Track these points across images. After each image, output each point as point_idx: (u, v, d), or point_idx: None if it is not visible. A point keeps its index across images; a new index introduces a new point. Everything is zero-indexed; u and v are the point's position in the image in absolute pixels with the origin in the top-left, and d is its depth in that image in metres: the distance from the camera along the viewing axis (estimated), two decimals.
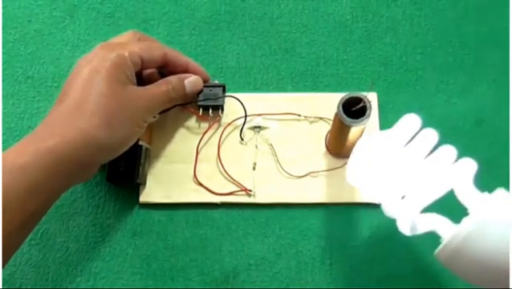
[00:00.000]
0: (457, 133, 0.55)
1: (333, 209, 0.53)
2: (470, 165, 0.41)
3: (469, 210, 0.39)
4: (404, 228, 0.40)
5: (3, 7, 0.60)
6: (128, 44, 0.47)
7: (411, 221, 0.40)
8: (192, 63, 0.52)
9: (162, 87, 0.48)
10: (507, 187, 0.48)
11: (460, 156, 0.55)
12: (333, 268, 0.51)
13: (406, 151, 0.42)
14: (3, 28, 0.59)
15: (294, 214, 0.52)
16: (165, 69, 0.51)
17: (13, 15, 0.60)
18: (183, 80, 0.50)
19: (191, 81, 0.51)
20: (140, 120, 0.46)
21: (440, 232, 0.39)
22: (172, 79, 0.49)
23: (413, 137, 0.43)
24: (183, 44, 0.58)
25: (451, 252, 0.37)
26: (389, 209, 0.41)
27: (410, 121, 0.43)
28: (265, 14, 0.59)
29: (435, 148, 0.42)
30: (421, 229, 0.40)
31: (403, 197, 0.41)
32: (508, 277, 0.36)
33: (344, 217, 0.52)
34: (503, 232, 0.36)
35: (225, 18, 0.59)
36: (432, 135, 0.42)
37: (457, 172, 0.40)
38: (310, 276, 0.51)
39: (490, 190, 0.40)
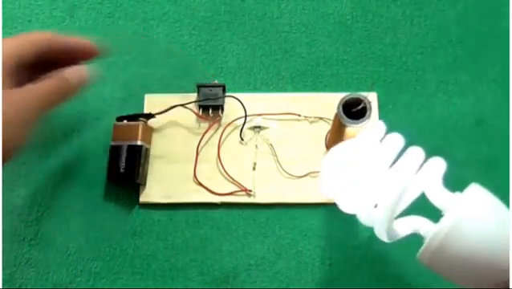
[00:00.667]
0: (457, 133, 0.55)
1: (333, 209, 0.52)
2: (439, 165, 0.39)
3: (443, 211, 0.39)
4: (382, 235, 0.40)
5: (3, 7, 0.60)
6: None
7: (386, 228, 0.39)
8: (80, 42, 0.47)
9: (43, 87, 0.43)
10: (507, 187, 0.48)
11: (460, 157, 0.55)
12: (333, 268, 0.51)
13: (374, 158, 0.41)
14: (3, 28, 0.59)
15: (294, 214, 0.52)
16: (60, 58, 0.45)
17: (13, 15, 0.60)
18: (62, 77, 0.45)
19: (72, 73, 0.45)
20: (26, 121, 0.42)
21: (422, 232, 0.39)
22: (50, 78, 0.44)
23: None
24: (183, 44, 0.58)
25: (432, 253, 0.37)
26: (364, 219, 0.40)
27: (377, 127, 0.42)
28: (265, 14, 0.59)
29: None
30: (401, 234, 0.39)
31: (376, 206, 0.40)
32: (490, 272, 0.35)
33: (344, 217, 0.52)
34: (481, 227, 0.36)
35: (225, 18, 0.59)
36: (397, 139, 0.41)
37: (425, 174, 0.39)
38: (310, 276, 0.51)
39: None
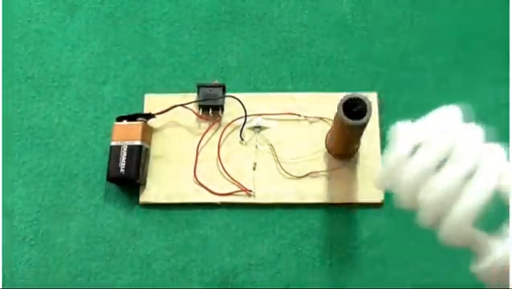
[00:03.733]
0: None
1: (333, 209, 0.53)
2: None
3: None
4: (451, 236, 0.36)
5: (3, 7, 0.60)
6: None
7: (459, 230, 0.36)
8: None
9: None
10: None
11: None
12: (333, 268, 0.51)
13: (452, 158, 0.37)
14: (3, 28, 0.59)
15: (294, 214, 0.52)
16: None
17: (13, 15, 0.60)
18: None
19: None
20: None
21: (477, 250, 0.35)
22: None
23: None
24: (183, 44, 0.58)
25: (500, 269, 0.34)
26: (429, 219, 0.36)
27: (450, 116, 0.38)
28: (265, 14, 0.59)
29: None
30: (460, 243, 0.36)
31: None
32: None
33: (344, 217, 0.52)
34: None
35: (225, 18, 0.59)
36: (477, 132, 0.38)
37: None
38: (310, 276, 0.51)
39: None
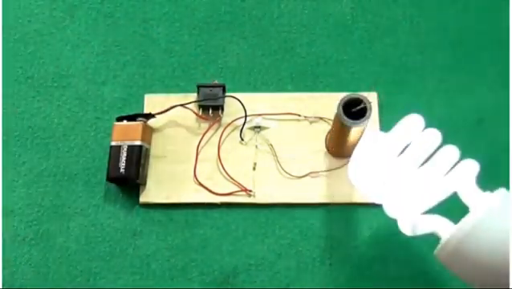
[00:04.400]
0: (457, 133, 0.55)
1: (333, 209, 0.53)
2: (473, 166, 0.40)
3: (471, 210, 0.39)
4: (405, 228, 0.40)
5: (3, 7, 0.60)
6: None
7: (412, 222, 0.40)
8: None
9: None
10: (507, 187, 0.48)
11: (461, 156, 0.55)
12: (333, 268, 0.51)
13: (409, 152, 0.42)
14: (3, 28, 0.59)
15: (294, 214, 0.52)
16: None
17: (13, 15, 0.60)
18: None
19: None
20: None
21: (440, 233, 0.39)
22: None
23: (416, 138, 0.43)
24: (183, 44, 0.58)
25: (450, 251, 0.37)
26: (390, 210, 0.41)
27: (412, 121, 0.43)
28: (265, 14, 0.59)
29: (438, 147, 0.42)
30: (421, 230, 0.40)
31: (404, 198, 0.41)
32: (507, 276, 0.36)
33: (344, 217, 0.52)
34: (502, 230, 0.36)
35: (225, 18, 0.59)
36: (434, 135, 0.42)
37: (459, 174, 0.40)
38: (310, 276, 0.51)
39: (491, 190, 0.40)
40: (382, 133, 0.44)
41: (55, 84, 0.57)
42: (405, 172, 0.41)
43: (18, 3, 0.60)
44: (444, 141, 0.54)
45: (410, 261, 0.51)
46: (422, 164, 0.41)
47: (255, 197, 0.52)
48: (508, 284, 0.36)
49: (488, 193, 0.39)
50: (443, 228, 0.39)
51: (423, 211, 0.40)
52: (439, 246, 0.39)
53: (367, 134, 0.43)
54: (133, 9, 0.60)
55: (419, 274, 0.51)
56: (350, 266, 0.51)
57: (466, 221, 0.37)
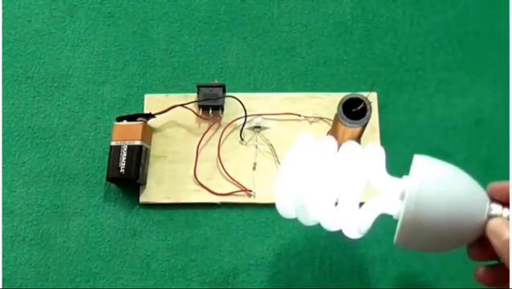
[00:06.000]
0: (457, 133, 0.55)
1: None
2: (379, 152, 0.39)
3: (399, 197, 0.37)
4: (353, 232, 0.39)
5: (3, 7, 0.60)
6: None
7: (355, 222, 0.39)
8: None
9: None
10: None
11: (460, 157, 0.55)
12: (333, 268, 0.51)
13: (315, 164, 0.40)
14: (3, 28, 0.59)
15: None
16: None
17: (13, 15, 0.60)
18: None
19: None
20: None
21: (388, 211, 0.38)
22: None
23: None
24: (183, 44, 0.58)
25: (410, 226, 0.35)
26: (329, 224, 0.40)
27: (304, 139, 0.42)
28: (265, 14, 0.59)
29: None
30: (370, 222, 0.38)
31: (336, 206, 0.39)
32: (466, 225, 0.35)
33: None
34: (443, 185, 0.35)
35: (225, 18, 0.59)
36: (329, 141, 0.41)
37: (368, 161, 0.39)
38: (310, 276, 0.51)
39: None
40: (284, 161, 0.42)
41: (55, 84, 0.57)
42: (322, 181, 0.40)
43: (18, 3, 0.60)
44: (444, 141, 0.55)
45: (410, 261, 0.51)
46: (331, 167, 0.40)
47: (255, 197, 0.52)
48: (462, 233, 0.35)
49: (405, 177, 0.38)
50: (388, 204, 0.38)
51: (356, 207, 0.39)
52: (398, 230, 0.36)
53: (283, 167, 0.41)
54: (133, 9, 0.60)
55: (419, 274, 0.51)
56: (350, 266, 0.51)
57: (410, 198, 0.35)
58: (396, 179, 0.38)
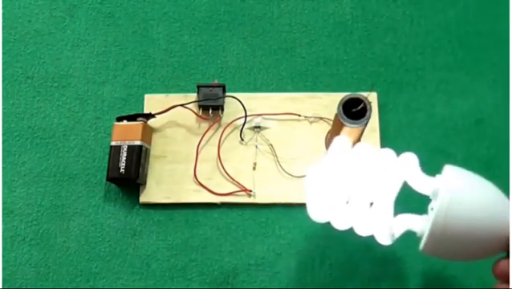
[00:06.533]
0: (457, 133, 0.55)
1: None
2: (412, 158, 0.40)
3: (430, 196, 0.39)
4: (385, 239, 0.39)
5: (3, 7, 0.60)
6: None
7: (389, 228, 0.39)
8: None
9: None
10: (507, 187, 0.48)
11: (460, 157, 0.55)
12: (333, 268, 0.51)
13: (353, 168, 0.41)
14: (3, 28, 0.59)
15: (294, 214, 0.52)
16: None
17: (13, 15, 0.60)
18: None
19: None
20: None
21: (415, 228, 0.39)
22: None
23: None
24: (183, 44, 0.58)
25: (437, 238, 0.37)
26: (363, 229, 0.40)
27: (340, 142, 0.42)
28: (265, 14, 0.59)
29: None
30: (398, 233, 0.39)
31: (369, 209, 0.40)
32: (492, 238, 0.36)
33: None
34: (473, 196, 0.37)
35: (225, 18, 0.59)
36: (366, 147, 0.41)
37: (403, 165, 0.40)
38: (310, 276, 0.51)
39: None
40: (320, 164, 0.43)
41: (55, 84, 0.57)
42: (356, 186, 0.40)
43: (18, 3, 0.60)
44: (444, 141, 0.55)
45: (410, 261, 0.51)
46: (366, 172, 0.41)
47: (255, 197, 0.52)
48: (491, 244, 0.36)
49: (438, 176, 0.39)
50: (416, 222, 0.39)
51: (391, 214, 0.40)
52: (425, 237, 0.37)
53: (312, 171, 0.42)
54: (133, 9, 0.60)
55: (419, 274, 0.51)
56: (350, 266, 0.51)
57: (441, 204, 0.36)
58: (432, 178, 0.39)
